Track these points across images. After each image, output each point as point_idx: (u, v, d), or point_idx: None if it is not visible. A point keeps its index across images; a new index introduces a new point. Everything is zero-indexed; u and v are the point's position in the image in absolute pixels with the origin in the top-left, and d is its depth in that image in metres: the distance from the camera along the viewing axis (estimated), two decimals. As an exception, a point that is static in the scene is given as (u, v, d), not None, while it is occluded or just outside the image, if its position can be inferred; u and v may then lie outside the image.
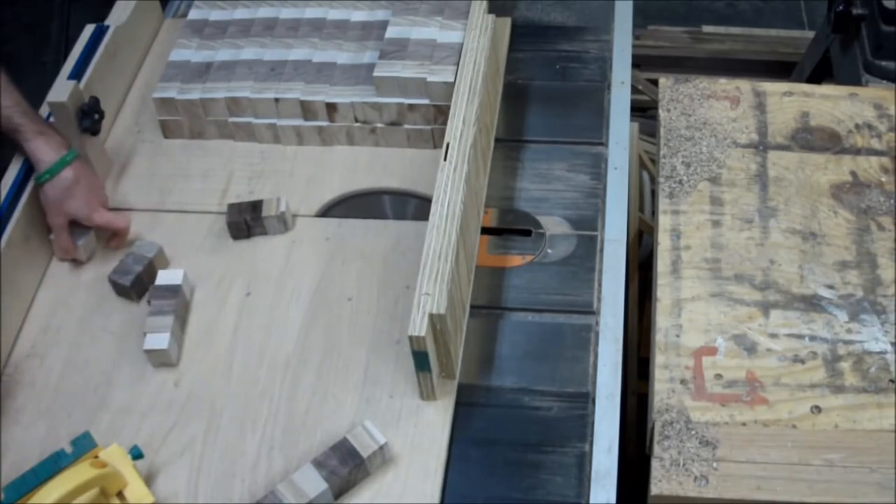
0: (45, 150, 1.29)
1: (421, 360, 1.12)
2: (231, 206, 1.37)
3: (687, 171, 1.34)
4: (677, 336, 1.19)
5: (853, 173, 1.33)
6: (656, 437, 1.10)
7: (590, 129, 1.47)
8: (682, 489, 1.06)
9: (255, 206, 1.36)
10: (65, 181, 1.29)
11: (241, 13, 1.58)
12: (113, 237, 1.36)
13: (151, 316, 1.24)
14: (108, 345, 1.27)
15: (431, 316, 1.09)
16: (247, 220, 1.35)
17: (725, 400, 1.13)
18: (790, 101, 1.42)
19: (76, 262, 1.35)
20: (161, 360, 1.23)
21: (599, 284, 1.29)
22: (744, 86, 1.44)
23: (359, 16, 1.55)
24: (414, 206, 1.41)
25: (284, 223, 1.36)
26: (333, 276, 1.32)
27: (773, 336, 1.18)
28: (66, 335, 1.28)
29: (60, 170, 1.29)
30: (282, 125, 1.46)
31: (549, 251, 1.33)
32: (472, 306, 1.28)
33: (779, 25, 2.74)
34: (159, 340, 1.22)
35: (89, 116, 1.40)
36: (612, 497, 1.10)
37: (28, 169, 1.33)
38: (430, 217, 1.19)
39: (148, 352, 1.22)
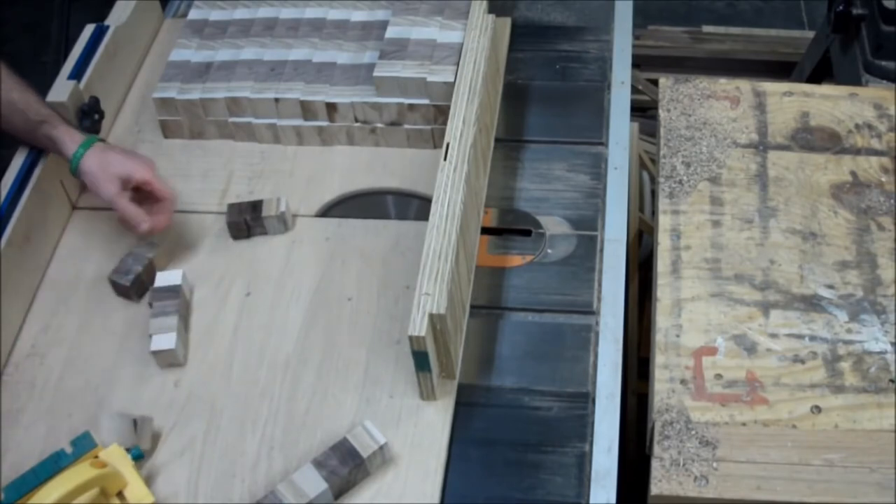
0: (73, 134, 1.30)
1: (421, 360, 1.12)
2: (231, 206, 1.37)
3: (687, 171, 1.34)
4: (677, 336, 1.19)
5: (853, 173, 1.33)
6: (656, 437, 1.10)
7: (590, 129, 1.47)
8: (682, 489, 1.06)
9: (255, 206, 1.36)
10: (100, 149, 1.29)
11: (241, 13, 1.58)
12: (158, 212, 1.31)
13: (154, 318, 1.24)
14: (108, 345, 1.27)
15: (431, 316, 1.09)
16: (247, 220, 1.35)
17: (725, 400, 1.13)
18: (790, 101, 1.42)
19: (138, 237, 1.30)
20: (169, 360, 1.23)
21: (599, 284, 1.29)
22: (744, 86, 1.44)
23: (359, 16, 1.55)
24: (414, 206, 1.41)
25: (284, 223, 1.36)
26: (333, 276, 1.32)
27: (773, 336, 1.18)
28: (66, 335, 1.28)
29: (93, 143, 1.29)
30: (282, 125, 1.46)
31: (549, 251, 1.33)
32: (472, 306, 1.28)
33: (779, 25, 2.74)
34: (167, 341, 1.22)
35: (89, 116, 1.40)
36: (612, 497, 1.09)
37: (29, 168, 1.33)
38: (430, 217, 1.19)
39: (156, 353, 1.22)
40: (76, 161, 1.28)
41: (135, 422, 1.14)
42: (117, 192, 1.27)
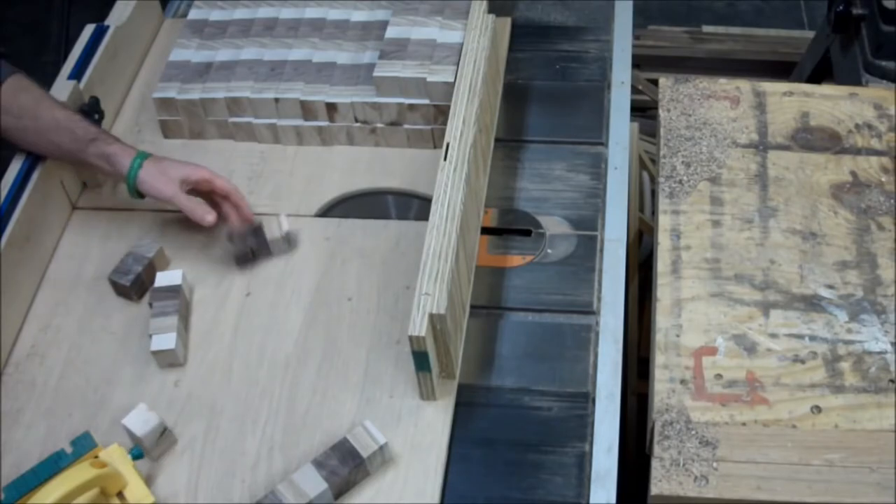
0: (127, 149, 1.31)
1: (421, 360, 1.12)
2: (231, 236, 1.32)
3: (687, 171, 1.34)
4: (677, 336, 1.19)
5: (853, 173, 1.33)
6: (656, 437, 1.10)
7: (590, 129, 1.47)
8: (682, 489, 1.06)
9: (257, 231, 1.33)
10: (155, 158, 1.30)
11: (241, 13, 1.58)
12: (233, 213, 1.33)
13: (155, 317, 1.24)
14: (108, 345, 1.27)
15: (431, 316, 1.09)
16: (252, 249, 1.33)
17: (725, 400, 1.13)
18: (790, 101, 1.42)
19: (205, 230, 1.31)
20: (169, 360, 1.23)
21: (599, 284, 1.29)
22: (744, 86, 1.44)
23: (359, 16, 1.55)
24: (414, 206, 1.41)
25: (289, 242, 1.34)
26: (333, 276, 1.32)
27: (773, 336, 1.18)
28: (66, 335, 1.28)
29: (147, 155, 1.30)
30: (282, 125, 1.46)
31: (549, 251, 1.33)
32: (472, 306, 1.28)
33: (779, 25, 2.74)
34: (166, 341, 1.22)
35: (89, 116, 1.40)
36: (612, 497, 1.10)
37: (29, 168, 1.33)
38: (430, 217, 1.19)
39: (155, 353, 1.22)
40: (134, 171, 1.28)
41: (165, 429, 1.14)
42: (177, 191, 1.29)
